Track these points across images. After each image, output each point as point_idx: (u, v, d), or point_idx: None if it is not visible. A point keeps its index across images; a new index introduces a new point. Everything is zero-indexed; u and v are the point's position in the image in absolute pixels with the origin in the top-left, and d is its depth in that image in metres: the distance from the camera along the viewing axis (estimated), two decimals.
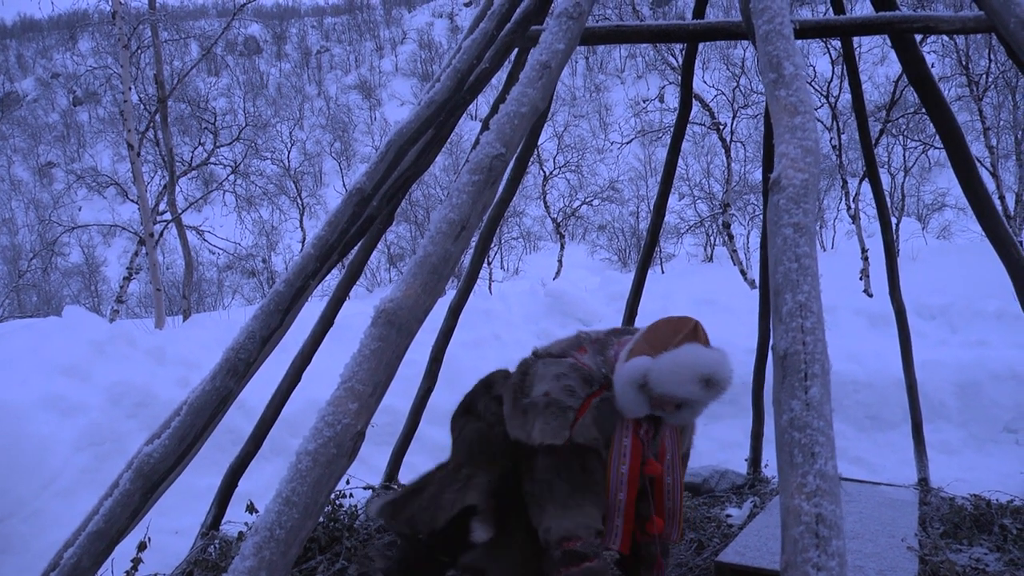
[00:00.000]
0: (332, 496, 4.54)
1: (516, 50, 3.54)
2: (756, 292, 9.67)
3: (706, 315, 8.33)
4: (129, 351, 6.25)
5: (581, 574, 2.18)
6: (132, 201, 13.78)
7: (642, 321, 5.77)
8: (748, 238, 26.20)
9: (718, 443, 6.34)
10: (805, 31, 3.01)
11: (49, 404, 5.47)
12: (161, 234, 11.02)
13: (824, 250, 29.02)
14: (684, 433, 2.70)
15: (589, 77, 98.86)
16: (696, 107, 15.80)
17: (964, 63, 16.73)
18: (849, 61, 4.28)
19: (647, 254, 4.99)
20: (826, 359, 1.33)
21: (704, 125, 17.01)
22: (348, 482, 4.62)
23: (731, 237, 17.13)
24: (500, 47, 2.90)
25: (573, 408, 2.33)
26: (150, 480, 2.20)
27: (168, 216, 11.34)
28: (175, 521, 4.81)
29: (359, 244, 3.82)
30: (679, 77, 7.99)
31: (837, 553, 1.11)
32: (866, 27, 3.17)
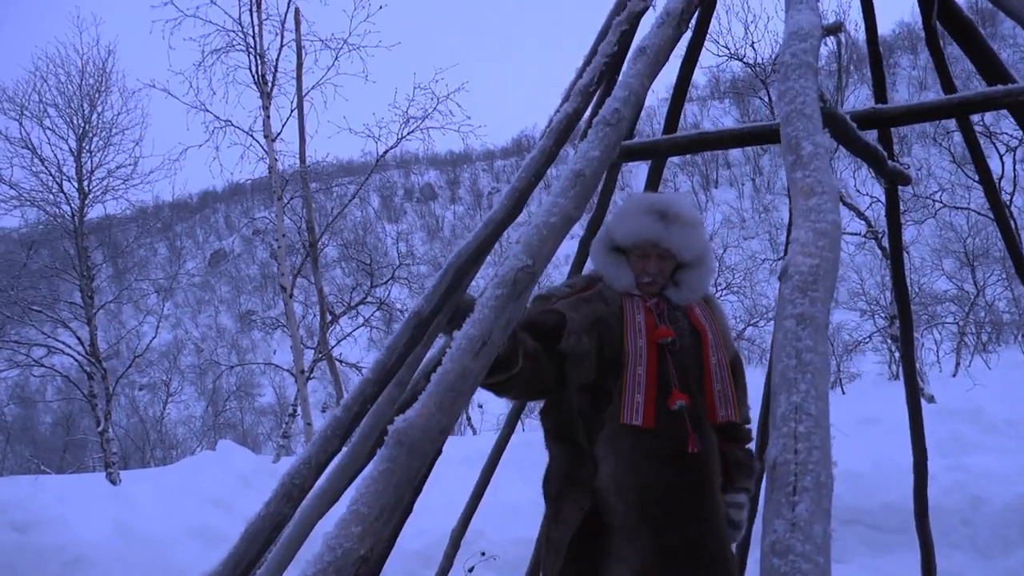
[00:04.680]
0: None
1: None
2: (932, 407, 8.80)
3: (868, 435, 7.66)
4: (272, 483, 6.48)
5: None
6: (307, 346, 14.67)
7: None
8: (922, 350, 24.04)
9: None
10: (897, 117, 2.79)
11: (196, 534, 5.72)
12: (311, 369, 11.65)
13: None
14: (717, 316, 2.60)
15: (757, 198, 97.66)
16: (850, 216, 15.08)
17: None
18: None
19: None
20: (825, 471, 1.12)
21: (860, 235, 16.13)
22: None
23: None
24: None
25: (557, 296, 2.52)
26: None
27: (332, 354, 12.00)
28: None
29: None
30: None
31: None
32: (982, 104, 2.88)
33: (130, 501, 5.92)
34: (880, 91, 3.40)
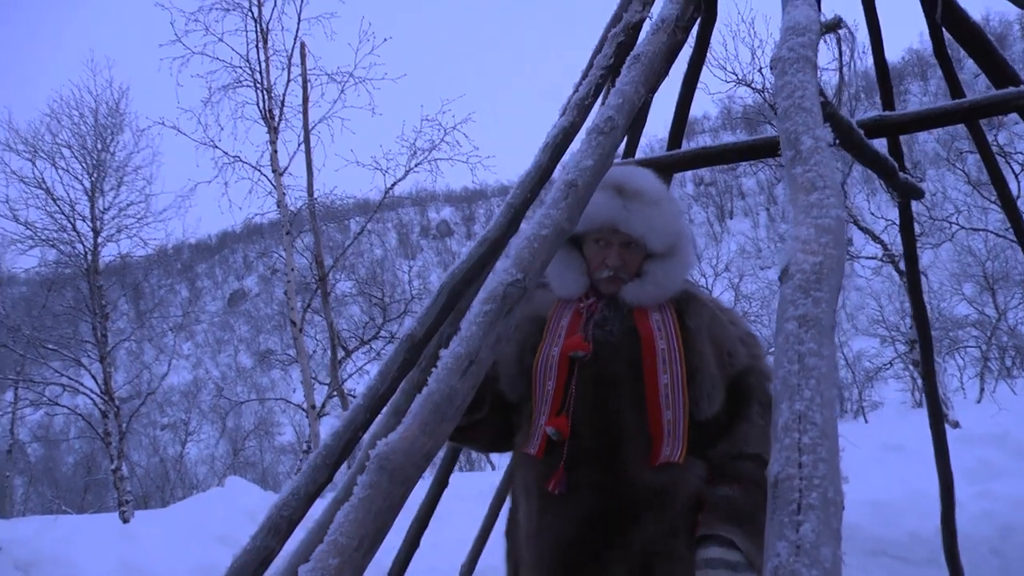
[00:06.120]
0: None
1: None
2: (957, 433, 8.56)
3: (892, 462, 7.44)
4: None
5: None
6: (320, 382, 14.63)
7: None
8: (945, 376, 23.60)
9: None
10: (905, 124, 2.69)
11: (202, 573, 5.59)
12: (323, 405, 11.60)
13: None
14: (697, 323, 1.99)
15: (772, 228, 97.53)
16: (865, 239, 14.85)
17: None
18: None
19: None
20: (833, 486, 1.00)
21: (877, 259, 15.86)
22: None
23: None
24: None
25: None
26: None
27: (345, 387, 11.94)
28: None
29: None
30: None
31: None
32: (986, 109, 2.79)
33: (137, 540, 5.82)
34: (887, 98, 3.30)
